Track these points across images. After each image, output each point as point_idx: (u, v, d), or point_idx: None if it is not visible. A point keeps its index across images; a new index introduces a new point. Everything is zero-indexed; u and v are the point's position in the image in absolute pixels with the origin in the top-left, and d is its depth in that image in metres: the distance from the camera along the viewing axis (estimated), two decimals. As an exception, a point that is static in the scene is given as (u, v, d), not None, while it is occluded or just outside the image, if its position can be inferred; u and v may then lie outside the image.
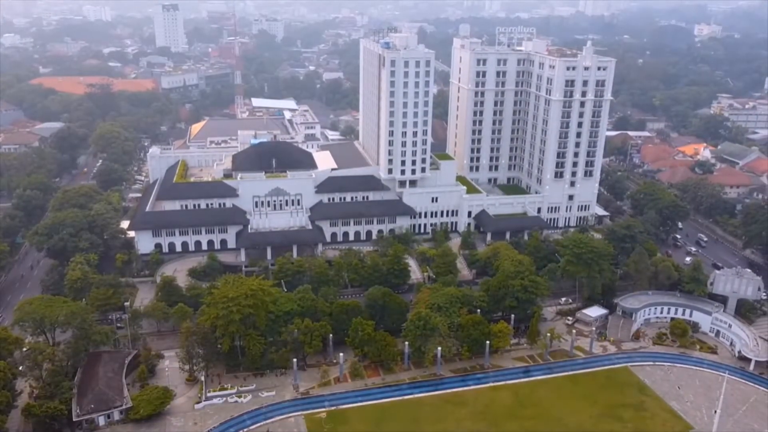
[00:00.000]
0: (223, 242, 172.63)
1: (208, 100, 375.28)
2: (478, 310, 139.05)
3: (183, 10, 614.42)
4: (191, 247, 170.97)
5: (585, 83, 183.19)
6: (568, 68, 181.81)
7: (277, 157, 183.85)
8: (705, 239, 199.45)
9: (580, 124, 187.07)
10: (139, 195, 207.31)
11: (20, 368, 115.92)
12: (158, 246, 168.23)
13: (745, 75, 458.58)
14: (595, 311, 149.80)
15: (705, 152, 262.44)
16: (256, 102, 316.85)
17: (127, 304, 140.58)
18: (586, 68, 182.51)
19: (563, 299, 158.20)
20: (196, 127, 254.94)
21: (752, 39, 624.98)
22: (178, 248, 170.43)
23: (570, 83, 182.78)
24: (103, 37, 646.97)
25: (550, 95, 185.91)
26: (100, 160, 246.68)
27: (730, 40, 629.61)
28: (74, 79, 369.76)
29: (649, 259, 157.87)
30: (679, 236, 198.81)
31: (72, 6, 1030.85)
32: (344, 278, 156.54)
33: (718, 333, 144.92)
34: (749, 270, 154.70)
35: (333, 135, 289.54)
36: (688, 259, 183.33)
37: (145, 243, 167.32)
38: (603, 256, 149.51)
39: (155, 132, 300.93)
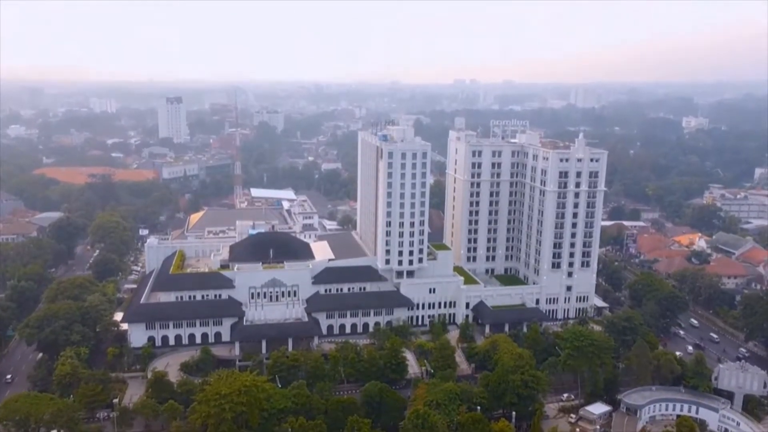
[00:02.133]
0: (218, 335, 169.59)
1: (208, 190, 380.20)
2: (478, 407, 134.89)
3: (186, 102, 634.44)
4: (185, 341, 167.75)
5: (578, 174, 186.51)
6: (561, 160, 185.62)
7: (275, 248, 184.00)
8: (746, 353, 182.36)
9: (575, 215, 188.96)
10: (134, 286, 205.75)
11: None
12: (151, 339, 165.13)
13: (734, 165, 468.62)
14: (598, 408, 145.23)
15: (700, 242, 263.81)
16: (255, 192, 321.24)
17: (115, 401, 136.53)
18: (579, 160, 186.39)
19: (565, 395, 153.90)
20: (194, 217, 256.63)
21: (738, 131, 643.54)
22: (172, 341, 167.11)
23: (564, 174, 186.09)
24: (108, 129, 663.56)
25: (544, 186, 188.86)
26: (98, 250, 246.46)
27: (717, 132, 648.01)
28: (76, 170, 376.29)
29: (651, 352, 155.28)
30: (682, 331, 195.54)
31: (78, 99, 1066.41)
32: (340, 373, 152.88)
33: (726, 431, 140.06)
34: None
35: (330, 225, 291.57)
36: (690, 347, 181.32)
37: (138, 336, 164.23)
38: (604, 350, 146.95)
39: (154, 221, 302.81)
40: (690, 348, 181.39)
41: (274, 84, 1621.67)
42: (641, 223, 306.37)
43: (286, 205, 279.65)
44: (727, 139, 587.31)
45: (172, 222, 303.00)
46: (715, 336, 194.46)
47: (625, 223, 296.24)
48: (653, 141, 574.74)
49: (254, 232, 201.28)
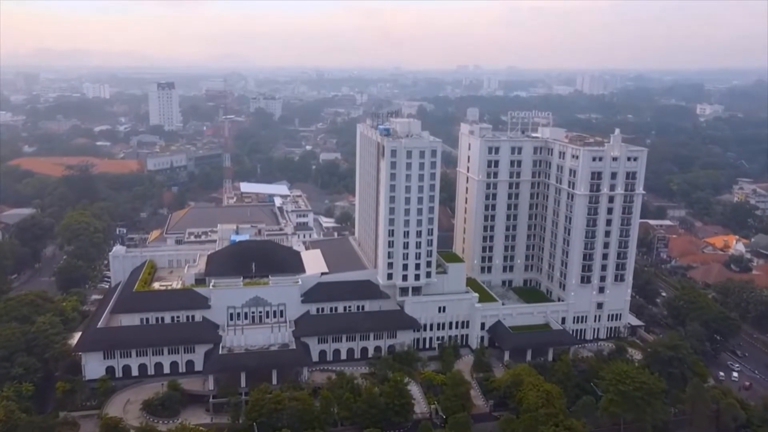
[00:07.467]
0: (190, 364, 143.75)
1: (196, 183, 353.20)
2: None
3: (182, 88, 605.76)
4: (150, 371, 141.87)
5: (614, 176, 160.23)
6: (594, 159, 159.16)
7: (258, 259, 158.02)
8: None
9: (608, 222, 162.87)
10: (101, 297, 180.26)
11: None
12: (110, 370, 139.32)
13: (758, 156, 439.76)
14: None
15: (738, 246, 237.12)
16: (245, 187, 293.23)
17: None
18: (615, 159, 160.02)
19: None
20: (177, 215, 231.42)
21: (755, 118, 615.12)
22: (135, 372, 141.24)
23: (597, 176, 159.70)
24: (99, 115, 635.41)
25: (573, 189, 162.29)
26: (65, 255, 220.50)
27: (735, 120, 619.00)
28: (55, 160, 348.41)
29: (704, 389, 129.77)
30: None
31: (73, 83, 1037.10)
32: (333, 415, 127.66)
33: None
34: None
35: (327, 222, 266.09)
36: (735, 374, 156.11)
37: (93, 367, 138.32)
38: (654, 395, 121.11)
39: (134, 219, 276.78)
40: (735, 375, 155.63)
41: (276, 70, 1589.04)
42: (668, 222, 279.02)
43: (278, 201, 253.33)
44: (746, 128, 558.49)
45: (154, 219, 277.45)
46: None
47: (651, 222, 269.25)
48: (669, 129, 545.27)
49: (236, 238, 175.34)
